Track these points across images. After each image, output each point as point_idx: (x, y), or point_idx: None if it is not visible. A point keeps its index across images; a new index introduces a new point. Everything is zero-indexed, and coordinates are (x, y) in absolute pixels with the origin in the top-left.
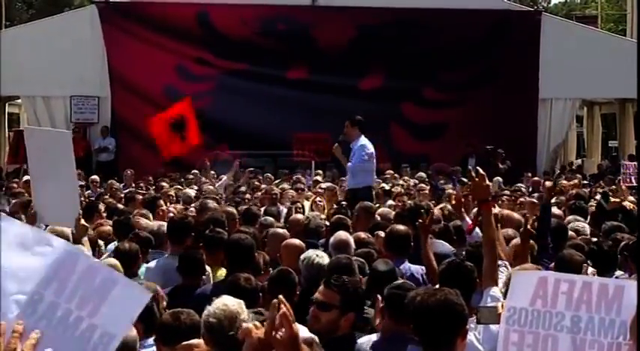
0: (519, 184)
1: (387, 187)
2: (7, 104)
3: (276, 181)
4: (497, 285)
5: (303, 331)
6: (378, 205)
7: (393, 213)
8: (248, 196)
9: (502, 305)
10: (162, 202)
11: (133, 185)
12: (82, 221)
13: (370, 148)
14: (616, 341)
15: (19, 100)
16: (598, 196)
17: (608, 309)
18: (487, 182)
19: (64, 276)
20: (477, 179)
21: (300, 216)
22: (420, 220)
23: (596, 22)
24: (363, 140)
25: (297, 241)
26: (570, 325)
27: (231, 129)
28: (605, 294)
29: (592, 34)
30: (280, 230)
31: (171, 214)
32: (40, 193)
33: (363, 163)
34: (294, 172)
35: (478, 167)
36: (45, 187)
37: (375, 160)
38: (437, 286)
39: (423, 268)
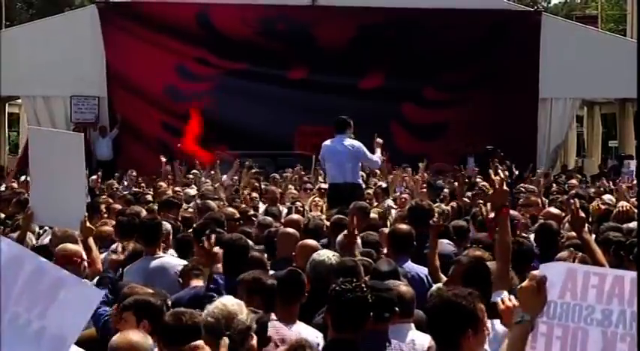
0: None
1: (384, 186)
2: (7, 104)
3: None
4: (506, 290)
5: (309, 332)
6: (376, 204)
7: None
8: (255, 195)
9: (504, 299)
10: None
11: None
12: (88, 223)
13: (324, 148)
14: None
15: (19, 100)
16: (606, 196)
17: None
18: (505, 187)
19: (11, 278)
20: (497, 186)
21: (296, 216)
22: (433, 220)
23: (597, 22)
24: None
25: (313, 242)
26: (601, 318)
27: (231, 129)
28: (636, 287)
29: (592, 34)
30: (291, 229)
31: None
32: (42, 194)
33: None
34: (285, 171)
35: (498, 171)
36: (49, 189)
37: (326, 161)
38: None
39: (425, 269)
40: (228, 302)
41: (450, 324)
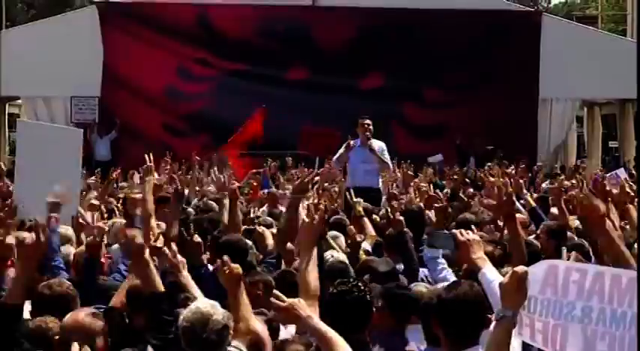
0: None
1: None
2: (7, 104)
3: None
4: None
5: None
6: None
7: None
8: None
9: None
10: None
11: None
12: (81, 220)
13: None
14: (628, 333)
15: (20, 101)
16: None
17: (621, 301)
18: (513, 197)
19: None
20: (504, 197)
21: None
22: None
23: (597, 23)
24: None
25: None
26: (581, 316)
27: (231, 129)
28: (617, 285)
29: (592, 35)
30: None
31: None
32: (29, 188)
33: None
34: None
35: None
36: (38, 182)
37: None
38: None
39: (425, 270)
40: (201, 305)
41: (475, 319)
